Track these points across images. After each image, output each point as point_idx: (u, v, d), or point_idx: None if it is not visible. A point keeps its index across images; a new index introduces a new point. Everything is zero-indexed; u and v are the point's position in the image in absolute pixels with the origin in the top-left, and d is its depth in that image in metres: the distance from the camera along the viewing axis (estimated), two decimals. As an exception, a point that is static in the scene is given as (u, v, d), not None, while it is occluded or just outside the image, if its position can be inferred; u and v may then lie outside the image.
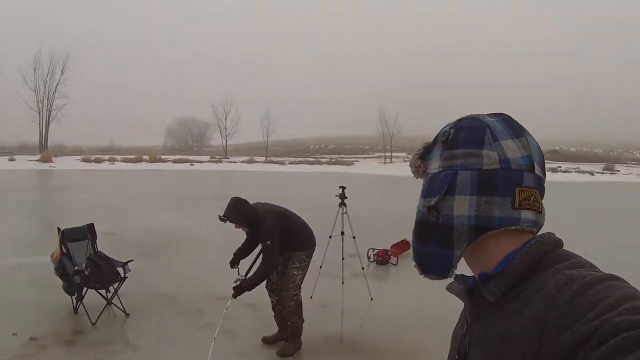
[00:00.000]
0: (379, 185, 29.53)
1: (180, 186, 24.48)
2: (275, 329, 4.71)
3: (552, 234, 0.82)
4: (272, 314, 4.68)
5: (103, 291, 5.26)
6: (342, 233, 5.96)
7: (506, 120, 0.85)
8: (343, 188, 6.06)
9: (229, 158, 58.00)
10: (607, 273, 0.70)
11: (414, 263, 0.90)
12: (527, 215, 0.81)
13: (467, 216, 0.81)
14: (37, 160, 43.74)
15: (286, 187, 25.16)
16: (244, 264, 4.50)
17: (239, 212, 4.15)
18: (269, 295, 4.60)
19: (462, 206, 0.82)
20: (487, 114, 0.88)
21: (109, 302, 5.27)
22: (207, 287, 6.32)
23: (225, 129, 65.84)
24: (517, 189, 0.80)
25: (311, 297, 5.91)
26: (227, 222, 4.17)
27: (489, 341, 0.78)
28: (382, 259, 8.06)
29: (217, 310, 4.76)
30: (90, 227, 5.83)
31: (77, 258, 5.46)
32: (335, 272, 6.22)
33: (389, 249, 8.34)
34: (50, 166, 40.28)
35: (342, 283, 6.01)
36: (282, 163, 53.59)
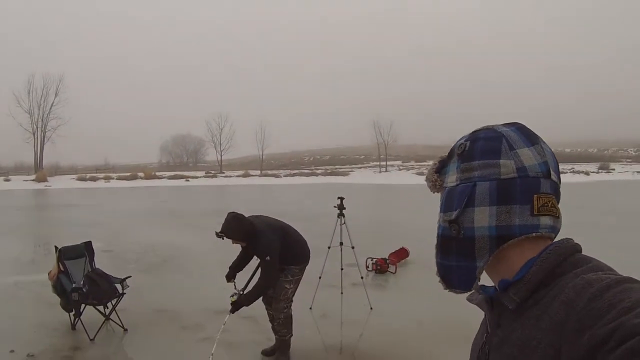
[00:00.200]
0: (375, 195, 29.53)
1: (176, 202, 24.43)
2: (273, 340, 4.69)
3: (571, 239, 0.83)
4: (270, 325, 4.66)
5: (101, 307, 5.24)
6: (341, 243, 5.97)
7: (520, 129, 0.86)
8: (341, 199, 6.08)
9: (224, 173, 57.92)
10: (625, 276, 0.70)
11: (438, 278, 0.90)
12: (545, 221, 0.82)
13: (488, 227, 0.82)
14: (33, 180, 43.58)
15: (283, 199, 25.15)
16: (240, 277, 4.49)
17: (236, 228, 4.07)
18: (266, 308, 4.57)
19: (483, 217, 0.82)
20: (501, 124, 0.89)
21: (107, 317, 5.24)
22: (206, 301, 6.29)
23: (220, 144, 65.89)
24: (535, 195, 0.81)
25: (310, 308, 5.90)
26: (225, 238, 4.13)
27: (508, 348, 0.79)
28: (380, 267, 8.05)
29: (216, 324, 4.75)
30: (88, 244, 5.82)
31: (74, 276, 5.45)
32: (335, 283, 6.22)
33: (387, 257, 8.33)
34: (45, 185, 40.16)
35: (342, 293, 6.02)
36: (277, 176, 53.54)
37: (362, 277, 6.36)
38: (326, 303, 6.03)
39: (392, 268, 8.10)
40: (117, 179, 47.33)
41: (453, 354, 4.62)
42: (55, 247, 5.55)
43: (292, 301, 4.40)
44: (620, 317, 0.61)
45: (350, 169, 63.52)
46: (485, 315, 0.91)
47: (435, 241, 0.91)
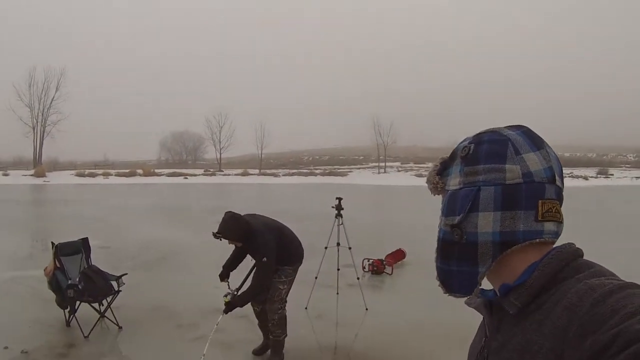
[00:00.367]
0: (373, 196, 29.54)
1: (174, 199, 24.42)
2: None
3: (572, 244, 0.82)
4: (262, 321, 4.59)
5: (96, 304, 5.23)
6: (338, 244, 5.96)
7: (526, 133, 0.85)
8: (339, 199, 6.07)
9: (223, 171, 57.89)
10: (627, 282, 0.70)
11: (437, 282, 0.89)
12: (549, 227, 0.81)
13: (492, 232, 0.81)
14: (31, 175, 43.56)
15: (281, 199, 25.15)
16: (233, 275, 4.47)
17: (234, 227, 4.05)
18: (251, 304, 4.48)
19: (487, 223, 0.81)
20: (506, 127, 0.87)
21: (102, 315, 5.23)
22: (201, 300, 6.28)
23: (220, 142, 65.87)
24: (540, 201, 0.80)
25: (306, 308, 5.90)
26: (222, 239, 4.10)
27: (508, 352, 0.78)
28: (377, 268, 8.05)
29: (211, 323, 4.74)
30: (85, 241, 5.81)
31: (70, 272, 5.44)
32: (331, 283, 6.22)
33: (384, 258, 8.33)
34: (44, 181, 40.12)
35: (337, 293, 6.01)
36: (276, 175, 53.56)
37: (358, 278, 6.36)
38: (322, 303, 6.03)
39: (388, 269, 8.10)
40: (115, 175, 47.31)
41: (449, 355, 4.62)
42: (52, 243, 5.54)
43: (286, 302, 4.39)
44: (623, 323, 0.61)
45: (349, 170, 63.54)
46: (483, 319, 0.90)
47: (435, 245, 0.90)
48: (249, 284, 4.19)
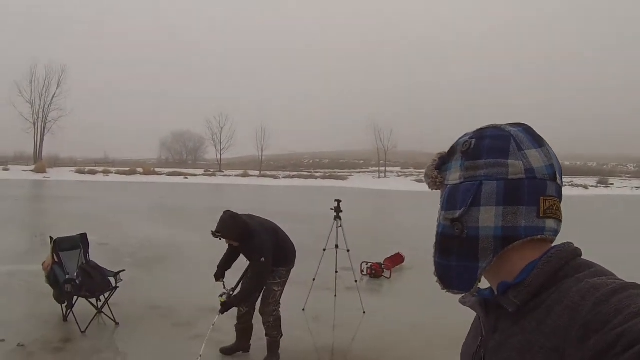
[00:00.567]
0: (373, 200, 29.53)
1: (174, 199, 24.41)
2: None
3: (571, 243, 0.82)
4: (242, 323, 4.51)
5: (94, 300, 5.22)
6: (337, 246, 5.96)
7: (527, 130, 0.85)
8: (338, 201, 6.07)
9: (223, 172, 57.90)
10: (629, 282, 0.70)
11: (435, 278, 0.88)
12: (550, 224, 0.81)
13: (494, 227, 0.80)
14: (31, 171, 43.56)
15: (280, 201, 25.14)
16: (229, 275, 4.47)
17: (232, 227, 4.05)
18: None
19: (488, 217, 0.81)
20: (507, 124, 0.87)
21: (99, 311, 5.23)
22: (199, 298, 6.27)
23: (220, 143, 65.88)
24: (542, 198, 0.80)
25: (303, 309, 5.89)
26: (221, 238, 4.10)
27: (507, 351, 0.77)
28: (375, 272, 8.04)
29: (208, 322, 4.72)
30: (83, 236, 5.80)
31: (68, 267, 5.43)
32: (329, 285, 6.21)
33: (382, 262, 8.32)
34: (44, 177, 40.15)
35: (335, 296, 6.00)
36: (276, 177, 53.57)
37: (356, 281, 6.35)
38: (319, 305, 6.02)
39: (387, 273, 8.10)
40: (115, 173, 47.32)
41: (446, 358, 4.61)
42: (51, 238, 5.53)
43: (279, 303, 4.38)
44: (627, 322, 0.61)
45: (349, 173, 63.56)
46: (479, 318, 0.89)
47: (434, 240, 0.89)
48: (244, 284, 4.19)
